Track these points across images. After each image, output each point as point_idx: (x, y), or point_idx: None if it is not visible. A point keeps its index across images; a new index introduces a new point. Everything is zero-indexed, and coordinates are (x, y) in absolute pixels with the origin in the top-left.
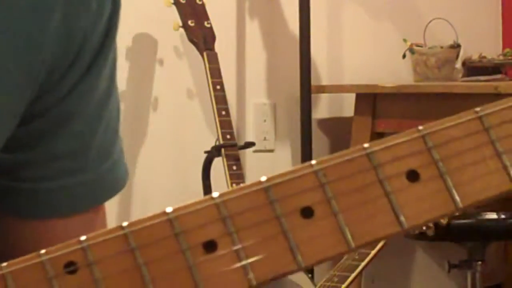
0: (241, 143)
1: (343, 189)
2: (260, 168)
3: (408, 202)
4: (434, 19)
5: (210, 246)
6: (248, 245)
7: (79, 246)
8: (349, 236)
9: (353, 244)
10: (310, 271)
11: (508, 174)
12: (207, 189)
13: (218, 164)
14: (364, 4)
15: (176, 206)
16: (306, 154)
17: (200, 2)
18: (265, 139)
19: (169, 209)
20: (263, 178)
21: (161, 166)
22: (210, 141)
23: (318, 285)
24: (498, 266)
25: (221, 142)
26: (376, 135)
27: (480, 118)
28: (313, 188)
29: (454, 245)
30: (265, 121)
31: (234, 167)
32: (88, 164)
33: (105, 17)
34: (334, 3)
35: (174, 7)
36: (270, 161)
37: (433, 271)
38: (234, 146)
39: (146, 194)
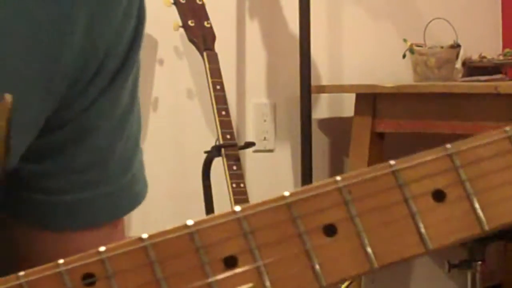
0: (241, 143)
1: (367, 207)
2: (260, 168)
3: (434, 223)
4: (434, 19)
5: (230, 262)
6: (269, 262)
7: (98, 258)
8: (372, 256)
9: (376, 264)
10: None
11: None
12: (207, 189)
13: (218, 164)
14: (364, 4)
15: (197, 220)
16: (306, 154)
17: (200, 2)
18: (265, 139)
19: (190, 222)
20: (287, 193)
21: (161, 166)
22: (210, 141)
23: None
24: (498, 266)
25: (221, 142)
26: (376, 135)
27: (509, 138)
28: (337, 205)
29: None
30: (265, 121)
31: (234, 167)
32: (108, 177)
33: (130, 31)
34: (334, 3)
35: (174, 7)
36: (270, 161)
37: (433, 271)
38: (234, 146)
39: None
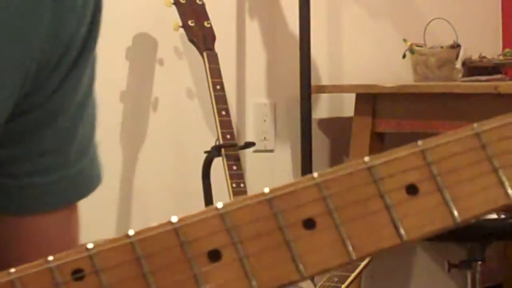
0: (241, 143)
1: (344, 202)
2: (260, 168)
3: (408, 215)
4: (434, 19)
5: (214, 256)
6: (251, 255)
7: (86, 254)
8: (350, 248)
9: (354, 255)
10: None
11: (504, 189)
12: (207, 189)
13: (218, 164)
14: (364, 4)
15: (181, 216)
16: (306, 154)
17: (200, 2)
18: (265, 139)
19: (174, 219)
20: (266, 190)
21: (161, 166)
22: (210, 141)
23: (318, 285)
24: (498, 266)
25: (221, 142)
26: (376, 135)
27: (477, 134)
28: (315, 200)
29: (454, 245)
30: (265, 121)
31: (234, 167)
32: (69, 160)
33: (89, 16)
34: (334, 3)
35: (174, 7)
36: (270, 161)
37: (433, 271)
38: (234, 146)
39: (146, 194)
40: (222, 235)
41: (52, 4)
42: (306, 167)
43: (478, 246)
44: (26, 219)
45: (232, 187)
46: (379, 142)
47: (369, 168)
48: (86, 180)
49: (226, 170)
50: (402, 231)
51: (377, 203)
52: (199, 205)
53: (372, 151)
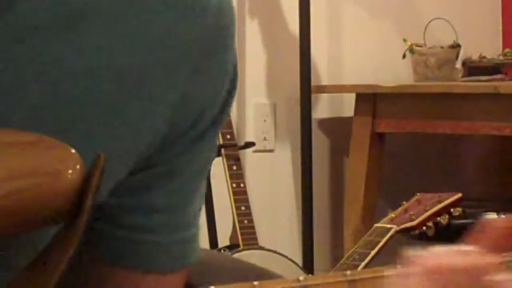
0: (241, 143)
1: None
2: (260, 168)
3: None
4: (434, 19)
5: None
6: None
7: None
8: None
9: None
10: (310, 271)
11: None
12: (207, 189)
13: (218, 164)
14: (364, 4)
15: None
16: (306, 154)
17: None
18: (265, 139)
19: (301, 277)
20: (348, 272)
21: None
22: None
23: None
24: None
25: (221, 142)
26: (376, 135)
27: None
28: None
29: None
30: (265, 121)
31: (234, 167)
32: (185, 223)
33: (224, 94)
34: (334, 3)
35: None
36: (270, 161)
37: None
38: (234, 146)
39: None
40: None
41: (188, 71)
42: (306, 167)
43: None
44: (137, 275)
45: (232, 187)
46: (379, 142)
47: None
48: (195, 247)
49: (226, 170)
50: None
51: None
52: None
53: (372, 151)
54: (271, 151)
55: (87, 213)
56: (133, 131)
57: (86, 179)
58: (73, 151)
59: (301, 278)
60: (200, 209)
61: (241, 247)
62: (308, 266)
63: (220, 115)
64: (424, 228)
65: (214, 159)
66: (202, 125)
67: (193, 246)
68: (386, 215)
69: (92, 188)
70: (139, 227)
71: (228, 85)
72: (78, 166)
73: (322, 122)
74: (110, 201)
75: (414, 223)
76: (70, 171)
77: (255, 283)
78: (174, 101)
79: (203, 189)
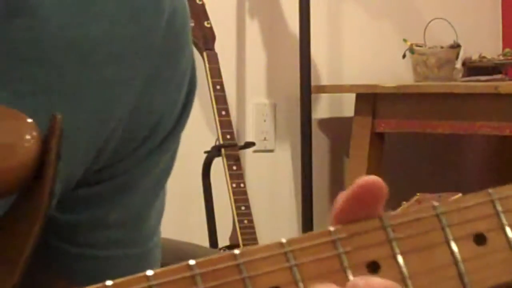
0: (241, 143)
1: (410, 247)
2: (260, 168)
3: (475, 267)
4: (434, 19)
5: None
6: None
7: (146, 283)
8: None
9: None
10: None
11: None
12: (207, 189)
13: (218, 164)
14: (364, 4)
15: (244, 250)
16: (306, 154)
17: (200, 2)
18: (265, 139)
19: (237, 251)
20: (332, 229)
21: None
22: (210, 141)
23: None
24: None
25: (221, 142)
26: (376, 135)
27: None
28: (381, 243)
29: None
30: (265, 121)
31: (234, 167)
32: (138, 238)
33: (182, 98)
34: (334, 3)
35: None
36: (270, 161)
37: None
38: (234, 146)
39: None
40: (285, 272)
41: (144, 80)
42: (306, 167)
43: None
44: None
45: (232, 187)
46: (379, 142)
47: (438, 215)
48: (151, 261)
49: (226, 170)
50: (467, 281)
51: (444, 251)
52: (199, 205)
53: (372, 151)
54: (271, 151)
55: (52, 181)
56: (91, 121)
57: (45, 146)
58: (28, 120)
59: (284, 241)
60: (157, 228)
61: (241, 247)
62: None
63: (178, 122)
64: None
65: (171, 170)
66: (158, 135)
67: (149, 261)
68: None
69: (52, 153)
70: (93, 244)
71: (186, 87)
72: (34, 133)
73: (322, 122)
74: (64, 218)
75: None
76: (26, 140)
77: (236, 251)
78: (130, 107)
79: (160, 207)
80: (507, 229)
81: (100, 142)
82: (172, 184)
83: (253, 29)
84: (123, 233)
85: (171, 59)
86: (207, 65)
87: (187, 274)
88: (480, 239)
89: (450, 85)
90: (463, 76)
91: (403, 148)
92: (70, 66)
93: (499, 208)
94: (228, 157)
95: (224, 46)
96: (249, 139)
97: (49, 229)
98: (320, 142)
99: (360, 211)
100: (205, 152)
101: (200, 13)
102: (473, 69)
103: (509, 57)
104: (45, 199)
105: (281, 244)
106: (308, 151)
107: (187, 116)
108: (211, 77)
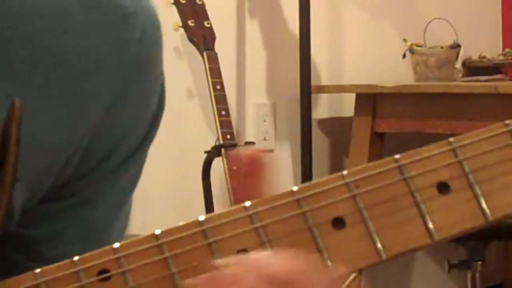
0: (241, 143)
1: (374, 201)
2: None
3: (439, 215)
4: (434, 19)
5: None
6: None
7: (113, 255)
8: (380, 248)
9: (384, 256)
10: None
11: None
12: (207, 189)
13: (218, 164)
14: (364, 4)
15: (209, 215)
16: (306, 154)
17: (200, 2)
18: (265, 139)
19: (201, 218)
20: (295, 188)
21: (161, 166)
22: (210, 141)
23: None
24: (498, 266)
25: (221, 142)
26: (376, 135)
27: (510, 131)
28: (345, 199)
29: (454, 245)
30: (265, 121)
31: (234, 167)
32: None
33: (149, 117)
34: (334, 3)
35: (174, 7)
36: (270, 161)
37: (433, 271)
38: (234, 146)
39: (146, 194)
40: (251, 235)
41: (113, 96)
42: (306, 167)
43: (478, 246)
44: None
45: (232, 187)
46: (379, 142)
47: (400, 167)
48: None
49: (226, 170)
50: (433, 231)
51: (408, 202)
52: (199, 205)
53: (372, 151)
54: (271, 151)
55: (13, 167)
56: (59, 126)
57: (3, 133)
58: None
59: (248, 204)
60: (125, 227)
61: None
62: None
63: (145, 139)
64: None
65: (136, 184)
66: (121, 153)
67: None
68: None
69: (12, 138)
70: (53, 259)
71: (156, 105)
72: None
73: (322, 122)
74: (24, 232)
75: None
76: None
77: (200, 218)
78: (95, 122)
79: (125, 220)
80: (470, 176)
81: (69, 151)
82: (172, 184)
83: (253, 29)
84: (85, 248)
85: (139, 76)
86: (207, 65)
87: (154, 243)
88: (443, 187)
89: (450, 85)
90: (463, 76)
91: (403, 148)
92: (37, 78)
93: (461, 156)
94: (228, 157)
95: (224, 46)
96: (249, 139)
97: (8, 242)
98: (320, 142)
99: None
100: (205, 152)
101: (200, 13)
102: (473, 69)
103: (509, 57)
104: (8, 184)
105: (245, 207)
106: (308, 151)
107: (153, 136)
108: (211, 77)
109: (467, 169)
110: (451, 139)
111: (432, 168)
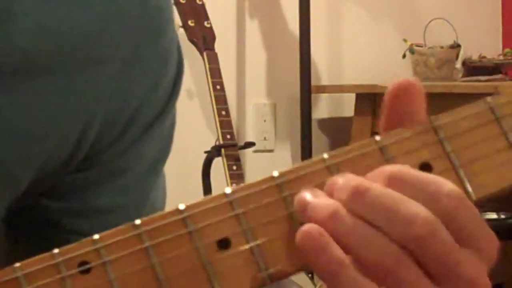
0: (241, 143)
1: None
2: (260, 168)
3: None
4: (434, 19)
5: (224, 244)
6: (262, 242)
7: (92, 246)
8: None
9: None
10: (310, 271)
11: None
12: (207, 189)
13: (218, 164)
14: (364, 4)
15: (189, 204)
16: (306, 154)
17: (200, 2)
18: (265, 139)
19: (181, 206)
20: (276, 174)
21: None
22: (210, 141)
23: (318, 285)
24: (498, 266)
25: (221, 142)
26: (376, 135)
27: (491, 108)
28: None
29: None
30: (265, 121)
31: (234, 167)
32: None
33: (169, 79)
34: (334, 3)
35: (174, 7)
36: (270, 161)
37: None
38: (234, 146)
39: None
40: (232, 222)
41: (122, 62)
42: None
43: None
44: None
45: (231, 187)
46: None
47: (381, 148)
48: None
49: (226, 170)
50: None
51: None
52: None
53: None
54: (271, 151)
55: None
56: (68, 100)
57: None
58: None
59: (228, 191)
60: (162, 208)
61: None
62: None
63: (169, 101)
64: None
65: (169, 150)
66: (144, 118)
67: None
68: None
69: None
70: (85, 232)
71: (175, 67)
72: None
73: (322, 122)
74: (52, 205)
75: None
76: None
77: (180, 206)
78: (108, 92)
79: (162, 190)
80: (452, 155)
81: (80, 125)
82: (172, 184)
83: (253, 29)
84: (119, 218)
85: (149, 39)
86: (207, 65)
87: (133, 233)
88: (425, 167)
89: (450, 85)
90: (463, 76)
91: None
92: (42, 49)
93: (442, 134)
94: (228, 157)
95: (224, 46)
96: (249, 139)
97: (41, 218)
98: (320, 142)
99: (403, 115)
100: (205, 152)
101: (200, 13)
102: (473, 69)
103: (509, 57)
104: None
105: (225, 194)
106: (308, 151)
107: (176, 98)
108: (211, 77)
109: (448, 148)
110: (431, 117)
111: (413, 149)
